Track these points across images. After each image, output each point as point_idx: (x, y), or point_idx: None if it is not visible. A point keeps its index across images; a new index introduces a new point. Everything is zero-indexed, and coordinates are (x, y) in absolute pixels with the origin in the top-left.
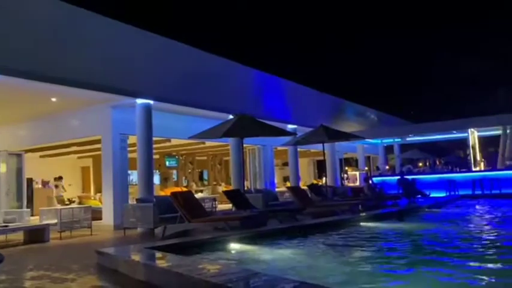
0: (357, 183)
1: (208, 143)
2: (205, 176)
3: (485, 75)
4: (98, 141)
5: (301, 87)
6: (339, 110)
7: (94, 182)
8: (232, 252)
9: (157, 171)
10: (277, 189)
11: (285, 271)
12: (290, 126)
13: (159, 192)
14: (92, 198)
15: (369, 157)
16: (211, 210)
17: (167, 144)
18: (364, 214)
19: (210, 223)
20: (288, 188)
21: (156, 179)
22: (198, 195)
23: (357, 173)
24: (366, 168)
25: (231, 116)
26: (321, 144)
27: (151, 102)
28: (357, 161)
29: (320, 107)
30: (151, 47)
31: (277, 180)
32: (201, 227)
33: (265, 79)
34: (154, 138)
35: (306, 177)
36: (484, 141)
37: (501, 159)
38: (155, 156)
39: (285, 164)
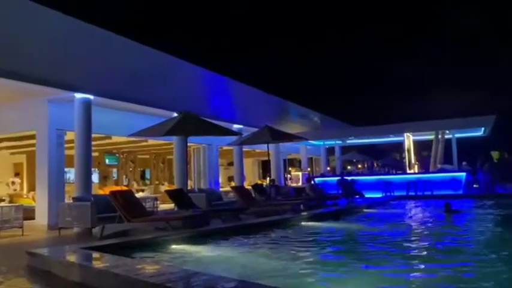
0: (300, 183)
1: (151, 141)
2: (147, 175)
3: (422, 81)
4: (33, 137)
5: (247, 88)
6: (284, 111)
7: (27, 180)
8: (173, 252)
9: (96, 169)
10: (221, 189)
11: (225, 270)
12: (236, 126)
13: (98, 191)
14: (25, 196)
15: (311, 158)
16: (153, 210)
17: (107, 141)
18: (305, 213)
19: (150, 223)
20: (232, 187)
21: (95, 178)
22: (139, 195)
23: (300, 174)
24: (309, 169)
25: (175, 114)
26: (266, 145)
27: (91, 97)
28: (300, 161)
29: (266, 107)
30: (92, 40)
31: (222, 180)
32: (141, 227)
33: (211, 78)
34: (93, 135)
35: (251, 177)
36: (419, 145)
37: (433, 163)
38: (94, 154)
39: (230, 163)
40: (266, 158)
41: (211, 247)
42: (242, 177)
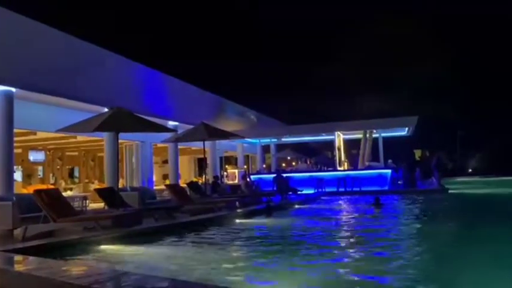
0: (236, 181)
1: (80, 138)
2: (76, 173)
3: (352, 83)
4: None
5: (183, 84)
6: (221, 109)
7: None
8: (102, 252)
9: (19, 167)
10: (156, 187)
11: (156, 270)
12: (171, 123)
13: (21, 190)
14: None
15: (247, 156)
16: (81, 209)
17: (32, 137)
18: (239, 211)
19: (79, 223)
20: (166, 185)
21: (18, 176)
22: (67, 194)
23: (236, 171)
24: (245, 166)
25: (106, 109)
26: (202, 142)
27: (13, 89)
28: (236, 159)
29: (202, 105)
30: (16, 29)
31: (156, 178)
32: (69, 227)
33: (146, 73)
34: (16, 130)
35: (187, 175)
36: (348, 144)
37: (361, 160)
38: (17, 151)
39: (166, 161)
40: (202, 156)
41: (142, 247)
42: (177, 175)
